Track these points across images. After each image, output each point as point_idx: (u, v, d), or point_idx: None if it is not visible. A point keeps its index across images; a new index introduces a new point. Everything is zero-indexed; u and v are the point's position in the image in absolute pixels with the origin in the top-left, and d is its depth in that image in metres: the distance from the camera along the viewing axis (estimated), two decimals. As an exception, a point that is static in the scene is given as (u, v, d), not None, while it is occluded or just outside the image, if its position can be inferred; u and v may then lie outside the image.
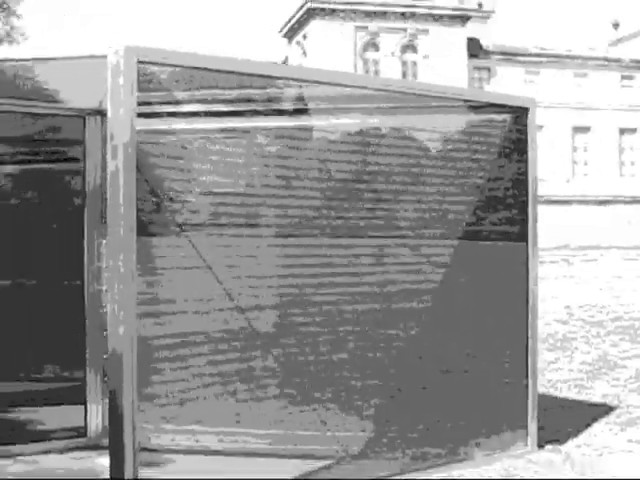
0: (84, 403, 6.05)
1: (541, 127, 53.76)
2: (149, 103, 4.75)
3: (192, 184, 4.94)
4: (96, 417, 5.98)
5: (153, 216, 4.69)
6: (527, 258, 5.78)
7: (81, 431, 6.03)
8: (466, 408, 5.53)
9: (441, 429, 5.45)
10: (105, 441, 4.44)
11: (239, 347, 4.99)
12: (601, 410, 7.16)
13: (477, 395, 5.59)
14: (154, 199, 4.71)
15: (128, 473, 4.09)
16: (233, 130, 5.25)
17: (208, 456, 5.35)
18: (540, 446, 5.82)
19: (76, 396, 6.08)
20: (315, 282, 5.13)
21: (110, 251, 4.15)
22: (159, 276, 4.82)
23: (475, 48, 63.03)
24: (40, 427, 5.99)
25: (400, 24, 60.77)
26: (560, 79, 65.33)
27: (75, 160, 6.13)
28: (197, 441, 5.34)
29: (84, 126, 6.01)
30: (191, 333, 4.81)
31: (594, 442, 6.08)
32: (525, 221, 5.78)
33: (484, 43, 63.89)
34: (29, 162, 6.45)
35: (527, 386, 5.78)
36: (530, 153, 5.78)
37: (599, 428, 6.52)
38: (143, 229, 4.39)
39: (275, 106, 5.41)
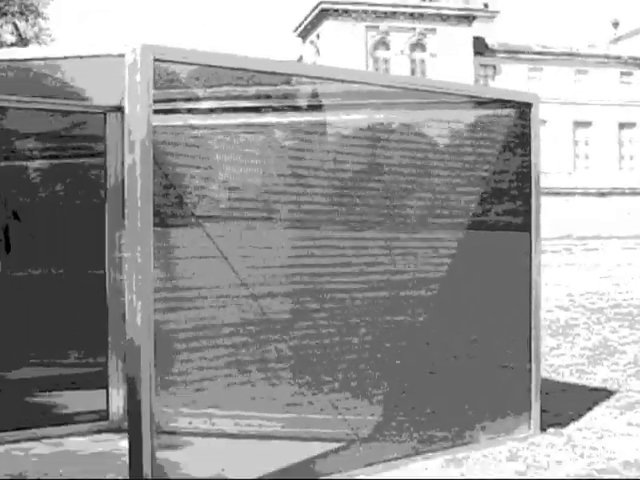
0: (106, 388, 6.04)
1: (544, 122, 53.55)
2: (171, 100, 4.74)
3: (210, 177, 4.90)
4: (117, 401, 5.97)
5: (172, 208, 4.65)
6: (530, 247, 5.74)
7: (103, 414, 6.03)
8: (471, 393, 5.50)
9: (447, 413, 5.42)
10: (126, 424, 4.43)
11: (254, 334, 4.95)
12: (601, 394, 7.11)
13: (482, 380, 5.56)
14: (173, 192, 4.67)
15: (146, 456, 4.07)
16: (250, 125, 5.22)
17: (224, 439, 5.33)
18: (543, 429, 5.78)
19: (99, 381, 6.08)
20: (327, 271, 5.11)
21: (128, 242, 4.12)
22: (177, 266, 4.78)
23: (481, 46, 62.88)
24: (64, 411, 5.99)
25: (409, 24, 60.70)
26: (562, 76, 65.17)
27: (100, 155, 6.12)
28: (213, 424, 5.32)
29: (105, 122, 5.98)
30: (208, 321, 4.77)
31: (595, 425, 6.03)
32: (528, 212, 5.74)
33: (489, 42, 63.73)
34: (57, 157, 6.46)
35: (530, 371, 5.74)
36: (533, 147, 5.75)
37: (599, 412, 6.46)
38: (162, 221, 4.37)
39: (291, 102, 5.38)
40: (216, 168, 4.91)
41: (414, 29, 60.83)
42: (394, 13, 60.29)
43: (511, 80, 60.28)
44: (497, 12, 67.63)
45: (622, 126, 67.10)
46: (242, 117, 5.22)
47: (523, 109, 5.74)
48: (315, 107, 5.45)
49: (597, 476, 4.87)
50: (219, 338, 4.80)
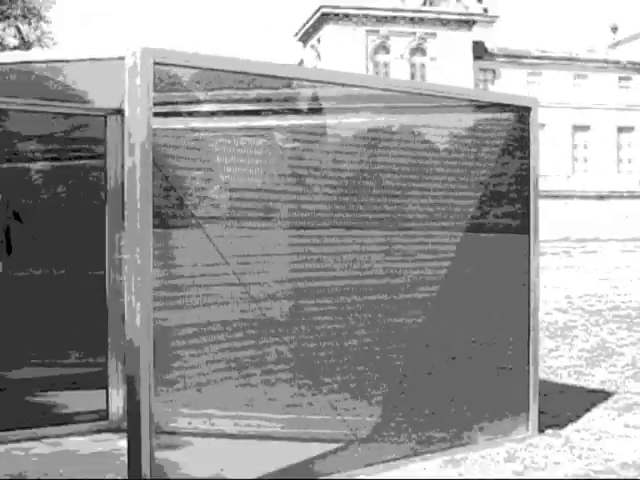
0: (106, 388, 6.03)
1: (543, 126, 53.56)
2: (172, 103, 4.74)
3: (211, 179, 4.89)
4: (117, 401, 5.96)
5: (172, 210, 4.64)
6: (529, 250, 5.73)
7: (103, 414, 6.02)
8: (470, 394, 5.49)
9: (446, 414, 5.41)
10: (126, 424, 4.42)
11: (254, 335, 4.94)
12: (599, 396, 7.09)
13: (480, 381, 5.54)
14: (173, 194, 4.66)
15: (145, 456, 4.06)
16: (251, 128, 5.21)
17: (223, 439, 5.31)
18: (541, 431, 5.76)
19: (99, 381, 6.06)
20: (327, 273, 5.09)
21: (127, 244, 4.11)
22: (177, 267, 4.77)
23: (480, 51, 62.89)
24: (64, 410, 5.98)
25: (409, 28, 60.73)
26: (561, 80, 65.20)
27: (101, 157, 6.12)
28: (213, 425, 5.30)
29: (105, 125, 5.98)
30: (208, 322, 4.76)
31: (593, 427, 6.02)
32: (527, 215, 5.73)
33: (489, 46, 63.75)
34: (58, 159, 6.46)
35: (528, 373, 5.72)
36: (532, 150, 5.74)
37: (597, 413, 6.45)
38: (163, 222, 4.36)
39: (291, 105, 5.38)
40: (217, 170, 4.90)
41: (414, 33, 60.86)
42: (394, 18, 60.32)
43: (510, 84, 60.28)
44: (497, 17, 67.63)
45: (620, 130, 67.12)
46: (243, 120, 5.22)
47: (522, 113, 5.73)
48: (316, 110, 5.45)
49: (594, 476, 4.86)
50: (219, 339, 4.79)
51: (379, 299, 5.27)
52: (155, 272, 4.19)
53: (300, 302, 5.11)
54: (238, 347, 4.88)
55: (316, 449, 5.04)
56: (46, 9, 36.84)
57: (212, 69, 4.53)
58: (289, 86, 5.16)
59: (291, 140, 5.21)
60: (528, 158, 5.73)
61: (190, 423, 5.27)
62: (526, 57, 64.97)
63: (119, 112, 5.80)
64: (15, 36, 36.71)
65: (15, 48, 34.18)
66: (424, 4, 63.52)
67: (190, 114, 5.03)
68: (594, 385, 7.62)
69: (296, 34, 65.84)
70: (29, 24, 36.67)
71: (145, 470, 4.10)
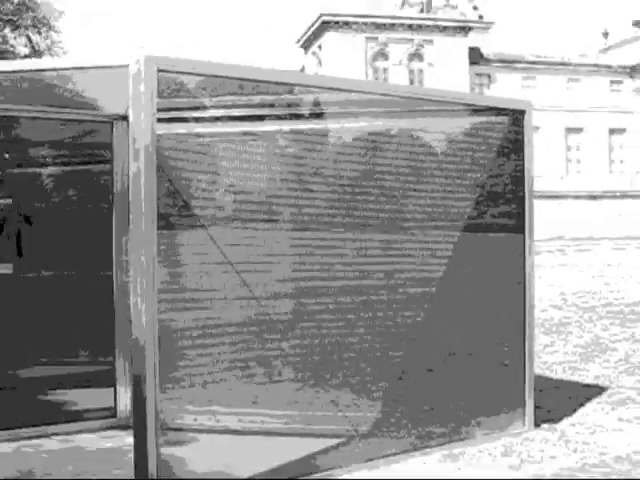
0: (114, 386, 6.01)
1: (537, 128, 53.47)
2: (178, 109, 4.72)
3: (215, 183, 4.87)
4: (125, 399, 5.93)
5: (178, 212, 4.62)
6: (524, 248, 5.70)
7: (111, 412, 5.99)
8: (467, 390, 5.46)
9: (444, 410, 5.39)
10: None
11: (257, 333, 4.91)
12: (593, 390, 7.06)
13: (478, 377, 5.51)
14: (178, 197, 4.64)
15: (151, 453, 4.04)
16: (254, 133, 5.19)
17: (228, 435, 5.29)
18: (537, 425, 5.73)
19: (107, 379, 6.04)
20: (328, 273, 5.07)
21: (133, 246, 4.09)
22: (183, 268, 4.75)
23: (476, 56, 62.87)
24: (74, 408, 5.96)
25: (407, 35, 60.72)
26: (554, 84, 65.18)
27: (109, 162, 6.10)
28: (218, 421, 5.28)
29: (112, 131, 5.96)
30: (212, 321, 4.74)
31: (587, 421, 5.98)
32: (522, 214, 5.71)
33: (484, 52, 63.72)
34: (68, 164, 6.45)
35: (524, 368, 5.69)
36: (527, 152, 5.72)
37: (592, 407, 6.41)
38: (168, 224, 4.34)
39: (293, 111, 5.36)
40: (221, 174, 4.88)
41: (412, 40, 60.83)
42: (393, 25, 60.33)
43: (505, 88, 60.24)
44: (492, 23, 67.59)
45: (612, 132, 67.09)
46: (246, 125, 5.20)
47: (517, 116, 5.72)
48: (317, 115, 5.43)
49: (589, 470, 4.82)
50: (223, 337, 4.77)
51: (379, 298, 5.25)
52: (160, 273, 4.18)
53: (302, 301, 5.09)
54: (242, 345, 4.85)
55: (318, 444, 5.01)
56: (55, 19, 36.83)
57: (215, 76, 4.52)
58: (291, 92, 5.15)
59: (293, 144, 5.19)
60: (523, 160, 5.71)
61: (196, 420, 5.25)
62: (520, 62, 64.93)
63: (125, 118, 5.77)
64: (26, 45, 36.72)
65: (26, 57, 34.17)
66: (421, 12, 63.56)
67: (196, 119, 5.02)
68: (588, 380, 7.59)
69: (298, 41, 65.85)
70: (39, 34, 36.67)
71: (151, 466, 4.08)
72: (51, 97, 5.63)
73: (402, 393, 5.31)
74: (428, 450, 5.16)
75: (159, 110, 4.14)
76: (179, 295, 4.58)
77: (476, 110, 5.83)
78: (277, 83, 4.83)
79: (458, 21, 62.30)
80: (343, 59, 57.71)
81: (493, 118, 5.81)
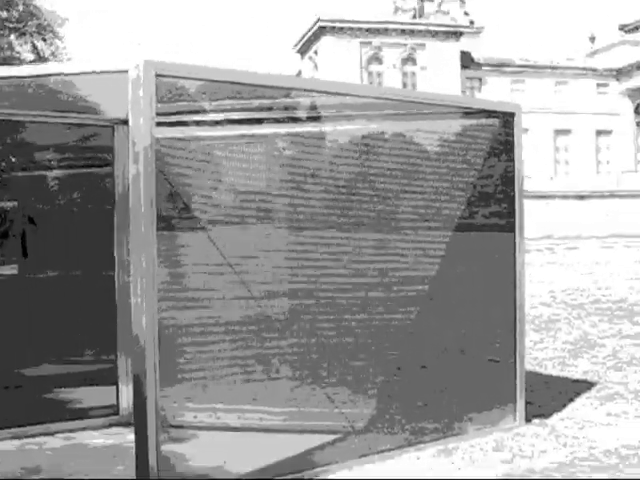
0: (116, 384, 5.97)
1: (526, 130, 53.53)
2: (179, 113, 4.70)
3: (214, 184, 4.84)
4: (127, 396, 5.88)
5: (177, 213, 4.59)
6: (515, 247, 5.68)
7: (114, 409, 5.95)
8: (460, 386, 5.43)
9: (437, 406, 5.36)
10: (134, 419, 4.38)
11: (256, 332, 4.89)
12: (582, 386, 7.03)
13: (470, 374, 5.49)
14: (178, 198, 4.61)
15: (152, 450, 4.01)
16: (252, 136, 5.17)
17: (227, 432, 5.25)
18: (528, 420, 5.71)
19: (110, 377, 6.00)
20: (324, 272, 5.04)
21: (133, 247, 4.06)
22: (182, 268, 4.73)
23: (467, 60, 62.95)
24: (77, 406, 5.92)
25: (400, 40, 60.81)
26: (543, 87, 65.35)
27: (111, 165, 6.07)
28: (218, 418, 5.24)
29: (113, 135, 5.93)
30: (212, 320, 4.71)
31: (576, 416, 5.96)
32: (513, 214, 5.69)
33: (475, 56, 63.81)
34: (72, 167, 6.42)
35: (515, 364, 5.66)
36: (517, 153, 5.71)
37: (581, 403, 6.39)
38: (168, 225, 4.32)
39: (290, 114, 5.34)
40: (220, 176, 4.85)
41: (405, 44, 60.93)
42: (386, 30, 60.40)
43: (495, 91, 60.32)
44: (482, 28, 67.71)
45: (599, 133, 67.29)
46: (245, 128, 5.18)
47: (507, 118, 5.71)
48: (313, 118, 5.41)
49: (579, 464, 4.80)
50: (223, 336, 4.74)
51: (374, 296, 5.22)
52: (160, 273, 4.15)
53: (299, 300, 5.05)
54: (241, 344, 4.82)
55: (315, 440, 4.98)
56: (59, 25, 36.77)
57: (212, 80, 4.49)
58: (288, 96, 5.13)
59: (290, 147, 5.17)
60: (513, 161, 5.70)
61: (196, 417, 5.21)
62: (510, 66, 65.03)
63: (126, 122, 5.72)
64: (32, 51, 36.67)
65: (31, 63, 34.11)
66: (414, 17, 63.62)
67: (196, 123, 5.00)
68: (577, 376, 7.57)
69: (294, 46, 65.88)
70: (44, 40, 36.62)
71: (152, 462, 4.05)
72: (54, 102, 5.60)
73: (396, 390, 5.28)
74: (422, 445, 5.13)
75: (161, 114, 4.12)
76: (179, 295, 4.55)
77: (467, 113, 5.82)
78: (274, 87, 4.82)
79: (449, 26, 62.40)
80: (338, 63, 57.75)
81: (484, 120, 5.79)
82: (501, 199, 5.75)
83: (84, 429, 5.66)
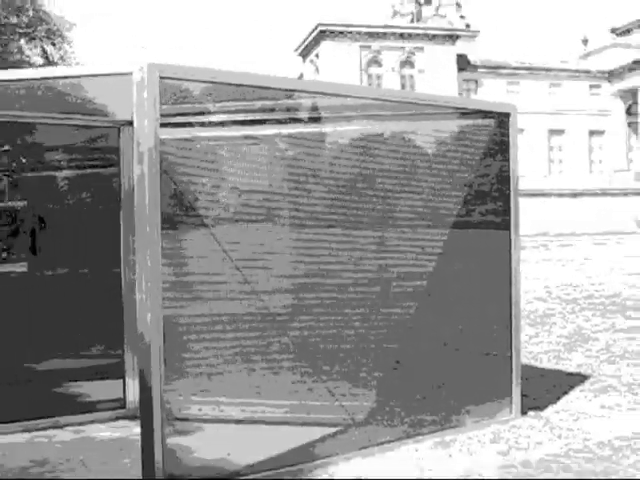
0: (123, 378, 5.95)
1: (521, 130, 53.43)
2: (184, 114, 4.67)
3: (217, 184, 4.82)
4: (133, 390, 5.86)
5: (181, 212, 4.56)
6: (510, 244, 5.66)
7: (121, 403, 5.93)
8: (458, 379, 5.40)
9: (436, 399, 5.33)
10: (141, 412, 4.36)
11: (258, 327, 4.87)
12: (577, 379, 7.00)
13: (467, 367, 5.46)
14: (182, 198, 4.59)
15: (157, 443, 4.00)
16: (254, 137, 5.14)
17: (231, 424, 5.22)
18: (523, 413, 5.68)
19: (117, 371, 5.98)
20: (325, 268, 5.01)
21: (138, 246, 4.03)
22: (187, 265, 4.70)
23: (464, 63, 62.87)
24: (86, 399, 5.90)
25: (399, 43, 60.73)
26: (537, 88, 65.25)
27: (118, 165, 6.05)
28: (222, 411, 5.21)
29: (119, 136, 5.90)
30: (216, 315, 4.69)
31: (571, 408, 5.93)
32: (508, 212, 5.67)
33: (471, 58, 63.71)
34: (80, 167, 6.40)
35: (511, 358, 5.64)
36: (512, 153, 5.68)
37: (575, 395, 6.36)
38: (172, 224, 4.30)
39: (292, 115, 5.32)
40: (223, 175, 4.83)
41: (403, 48, 60.84)
42: (385, 34, 60.33)
43: (491, 93, 60.21)
44: (478, 32, 67.58)
45: (592, 133, 67.21)
46: (248, 129, 5.15)
47: (502, 119, 5.68)
48: (314, 119, 5.38)
49: (573, 455, 4.77)
50: (227, 331, 4.72)
51: (373, 292, 5.20)
52: (166, 270, 4.13)
53: (301, 296, 5.04)
54: (244, 338, 4.80)
55: (317, 433, 4.95)
56: (67, 30, 36.75)
57: (216, 82, 4.46)
58: (290, 97, 5.11)
59: (292, 147, 5.14)
60: (508, 160, 5.67)
61: (200, 410, 5.18)
62: (505, 68, 64.94)
63: (131, 124, 5.70)
64: (42, 56, 36.64)
65: (41, 67, 34.08)
66: (412, 21, 63.58)
67: (200, 124, 4.97)
68: (572, 369, 7.54)
69: (296, 50, 65.81)
70: (53, 45, 36.60)
71: (157, 455, 4.03)
72: (62, 104, 5.59)
73: (395, 383, 5.25)
74: (420, 437, 5.10)
75: (166, 115, 4.09)
76: (183, 291, 4.52)
77: (464, 113, 5.80)
78: (276, 89, 4.79)
79: (446, 30, 62.33)
80: (339, 66, 57.69)
81: (480, 121, 5.76)
82: (497, 197, 5.73)
83: (92, 422, 5.64)
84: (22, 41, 36.01)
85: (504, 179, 5.67)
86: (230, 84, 4.49)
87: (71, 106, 5.63)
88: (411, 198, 5.33)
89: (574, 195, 55.90)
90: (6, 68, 6.78)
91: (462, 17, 66.95)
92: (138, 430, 4.19)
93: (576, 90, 66.88)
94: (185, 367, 4.57)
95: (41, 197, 6.24)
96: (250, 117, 5.12)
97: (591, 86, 67.82)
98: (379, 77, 60.38)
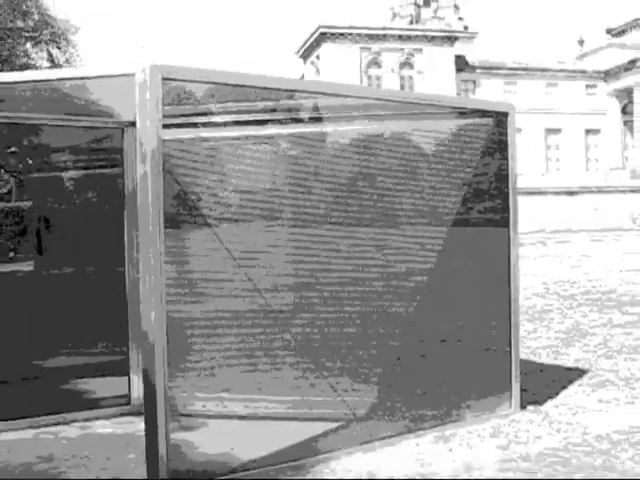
0: (128, 375, 5.93)
1: (519, 130, 53.39)
2: (187, 115, 4.66)
3: (220, 183, 4.80)
4: (138, 387, 5.84)
5: (184, 211, 4.54)
6: (509, 241, 5.63)
7: (126, 399, 5.92)
8: (458, 374, 5.38)
9: (436, 393, 5.31)
10: (146, 408, 4.34)
11: (261, 324, 4.85)
12: (575, 373, 6.97)
13: (467, 362, 5.44)
14: (184, 197, 4.57)
15: (161, 439, 3.98)
16: (256, 137, 5.12)
17: (235, 420, 5.20)
18: (523, 407, 5.65)
19: (122, 368, 5.96)
20: (326, 266, 4.99)
21: (141, 245, 4.01)
22: (189, 264, 4.68)
23: (462, 64, 62.84)
24: (91, 396, 5.88)
25: (398, 45, 60.74)
26: (534, 88, 65.25)
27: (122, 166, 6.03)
28: (225, 407, 5.20)
29: (122, 137, 5.88)
30: (219, 312, 4.67)
31: (570, 402, 5.90)
32: (507, 209, 5.64)
33: (469, 59, 63.68)
34: (84, 168, 6.38)
35: (510, 353, 5.61)
36: (510, 151, 5.65)
37: (573, 390, 6.33)
38: (175, 223, 4.28)
39: (293, 115, 5.30)
40: (225, 175, 4.80)
41: (403, 49, 60.86)
42: (385, 35, 60.33)
43: (489, 93, 60.24)
44: (476, 33, 67.56)
45: (588, 132, 67.24)
46: (250, 129, 5.13)
47: (500, 118, 5.65)
48: (316, 119, 5.36)
49: (572, 449, 4.74)
50: (230, 328, 4.70)
51: (374, 289, 5.17)
52: (169, 268, 4.11)
53: (302, 293, 5.02)
54: (247, 335, 4.78)
55: (319, 428, 4.93)
56: (72, 34, 36.78)
57: (218, 83, 4.43)
58: (291, 97, 5.09)
59: (294, 147, 5.12)
60: (507, 158, 5.64)
61: (204, 406, 5.16)
62: (502, 69, 64.94)
63: (134, 125, 5.68)
64: (47, 59, 36.67)
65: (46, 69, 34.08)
66: (411, 23, 63.53)
67: (203, 124, 4.95)
68: (570, 364, 7.51)
69: (297, 52, 65.80)
70: (59, 48, 36.62)
71: (162, 451, 4.01)
72: (67, 106, 5.57)
73: (397, 379, 5.23)
74: (421, 432, 5.08)
75: (169, 116, 4.07)
76: (186, 289, 4.50)
77: (463, 113, 5.77)
78: (278, 90, 4.77)
79: (445, 31, 62.34)
80: (340, 68, 57.69)
81: (479, 120, 5.74)
82: (496, 195, 5.70)
83: (97, 418, 5.62)
84: (28, 45, 36.04)
85: (503, 177, 5.65)
86: (232, 85, 4.46)
87: (75, 107, 5.61)
88: (411, 196, 5.31)
89: (571, 193, 55.84)
90: (13, 71, 6.76)
91: (460, 19, 66.95)
92: (143, 426, 4.17)
93: (572, 90, 66.88)
94: (189, 364, 4.55)
95: (47, 197, 6.22)
96: (252, 117, 5.10)
97: (587, 86, 67.83)
98: (379, 78, 60.39)
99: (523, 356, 6.90)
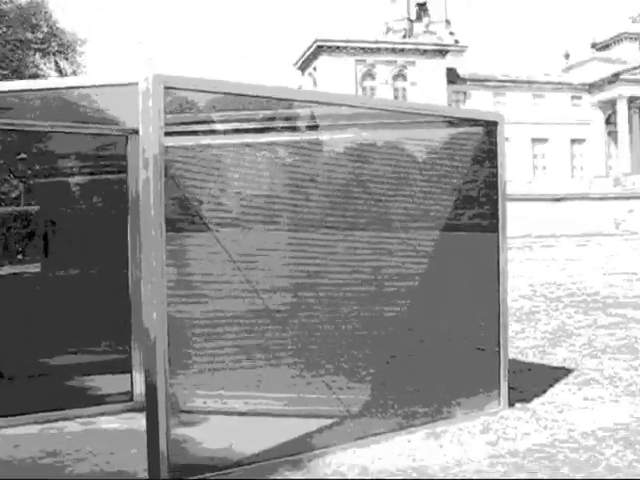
0: (130, 372, 5.91)
1: (507, 139, 53.47)
2: (188, 123, 4.66)
3: (220, 189, 4.78)
4: (140, 384, 5.81)
5: (185, 216, 4.52)
6: (498, 245, 5.61)
7: (129, 396, 5.89)
8: (448, 373, 5.36)
9: (428, 391, 5.28)
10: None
11: (259, 324, 4.83)
12: (561, 372, 6.95)
13: (457, 361, 5.41)
14: (188, 202, 4.55)
15: (162, 434, 3.95)
16: (255, 144, 5.11)
17: (234, 416, 5.18)
18: (511, 405, 5.63)
19: (125, 366, 5.94)
20: (322, 269, 4.98)
21: (143, 248, 3.99)
22: (190, 266, 4.66)
23: (453, 76, 63.00)
24: (95, 393, 5.85)
25: (392, 57, 60.91)
26: (522, 99, 65.47)
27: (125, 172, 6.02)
28: (225, 404, 5.17)
29: (126, 144, 5.87)
30: (219, 313, 4.65)
31: (556, 400, 5.88)
32: (496, 215, 5.62)
33: (460, 72, 63.85)
34: (90, 174, 6.37)
35: (499, 353, 5.59)
36: (500, 159, 5.63)
37: (560, 388, 6.31)
38: (176, 227, 4.26)
39: (291, 124, 5.29)
40: (225, 181, 4.79)
41: (396, 62, 61.03)
42: (379, 49, 60.48)
43: (479, 104, 60.45)
44: (466, 47, 67.81)
45: (573, 142, 67.48)
46: (249, 137, 5.11)
47: (490, 127, 5.64)
48: (312, 127, 5.35)
49: (559, 445, 4.72)
50: (229, 328, 4.68)
51: (368, 291, 5.16)
52: (171, 270, 4.09)
53: (299, 295, 5.00)
54: (246, 334, 4.76)
55: (314, 424, 4.90)
56: (79, 45, 36.81)
57: (218, 92, 4.42)
58: (290, 107, 5.08)
59: (291, 154, 5.10)
60: (496, 167, 5.63)
61: (205, 402, 5.14)
62: (492, 81, 65.15)
63: (138, 132, 5.67)
64: (55, 69, 36.68)
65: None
66: (404, 37, 63.68)
67: (204, 132, 4.94)
68: (556, 363, 7.49)
69: (295, 63, 65.89)
70: (66, 59, 36.63)
71: (162, 446, 3.98)
72: (74, 113, 5.56)
73: (389, 377, 5.21)
74: (413, 429, 5.05)
75: (171, 124, 4.05)
76: (187, 291, 4.49)
77: (454, 122, 5.76)
78: (276, 99, 4.76)
79: (437, 45, 62.54)
80: (336, 79, 57.81)
81: (469, 129, 5.72)
82: (485, 202, 5.69)
83: (101, 414, 5.59)
84: (37, 56, 36.03)
85: (492, 184, 5.63)
86: (232, 94, 4.45)
87: (82, 115, 5.60)
88: (403, 202, 5.30)
89: (556, 199, 55.96)
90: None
91: (451, 33, 67.14)
92: (145, 422, 4.14)
93: (558, 101, 67.10)
94: (189, 362, 4.53)
95: (54, 202, 6.22)
96: (251, 125, 5.09)
97: (573, 97, 68.09)
98: (373, 89, 60.52)
99: (511, 355, 6.88)
